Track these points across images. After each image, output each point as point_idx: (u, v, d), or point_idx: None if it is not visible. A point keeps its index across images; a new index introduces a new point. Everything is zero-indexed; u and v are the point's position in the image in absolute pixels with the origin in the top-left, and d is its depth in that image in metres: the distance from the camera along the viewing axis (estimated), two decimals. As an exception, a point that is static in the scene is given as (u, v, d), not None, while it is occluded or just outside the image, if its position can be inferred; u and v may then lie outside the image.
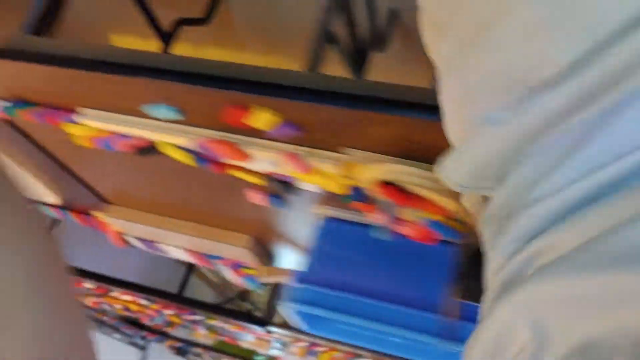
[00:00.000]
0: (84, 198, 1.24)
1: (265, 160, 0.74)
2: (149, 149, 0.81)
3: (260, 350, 2.34)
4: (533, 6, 0.29)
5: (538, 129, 0.30)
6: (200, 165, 0.80)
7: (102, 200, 1.22)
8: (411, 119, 0.60)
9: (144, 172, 1.02)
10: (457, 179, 0.36)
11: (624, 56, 0.26)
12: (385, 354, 1.10)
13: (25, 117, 0.85)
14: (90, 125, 0.81)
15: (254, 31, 1.65)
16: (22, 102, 0.86)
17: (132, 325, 2.87)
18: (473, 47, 0.32)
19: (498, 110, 0.31)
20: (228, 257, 1.19)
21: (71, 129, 0.83)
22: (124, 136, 0.80)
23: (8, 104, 0.87)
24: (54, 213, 1.35)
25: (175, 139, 0.77)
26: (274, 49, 1.70)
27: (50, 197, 1.28)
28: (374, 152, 0.68)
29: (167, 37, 1.35)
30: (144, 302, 2.27)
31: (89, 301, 2.34)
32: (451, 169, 0.36)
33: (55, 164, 1.09)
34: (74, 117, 0.81)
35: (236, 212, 1.05)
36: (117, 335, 3.23)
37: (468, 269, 0.63)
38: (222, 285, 3.95)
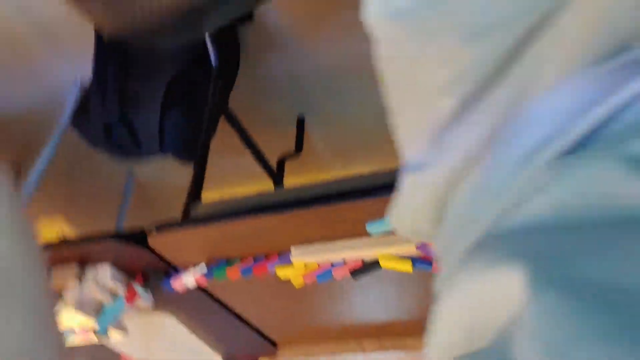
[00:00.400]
0: (249, 346, 1.25)
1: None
2: (363, 269, 0.85)
3: None
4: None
5: (456, 171, 0.31)
6: (419, 268, 0.83)
7: (271, 343, 1.23)
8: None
9: (317, 300, 1.04)
10: (401, 226, 0.37)
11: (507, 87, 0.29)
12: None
13: (232, 275, 0.89)
14: (303, 262, 0.85)
15: (333, 152, 1.74)
16: (223, 263, 0.91)
17: None
18: (395, 102, 0.35)
19: (417, 157, 0.33)
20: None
21: (282, 272, 0.87)
22: (337, 263, 0.84)
23: (207, 269, 0.91)
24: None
25: (394, 249, 0.80)
26: (356, 164, 1.79)
27: (212, 356, 1.29)
28: None
29: (277, 177, 1.43)
30: None
31: None
32: (395, 217, 0.37)
33: (229, 316, 1.11)
34: (286, 259, 0.85)
35: (424, 310, 1.06)
36: None
37: None
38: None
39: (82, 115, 1.21)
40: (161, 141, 1.15)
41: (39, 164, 1.35)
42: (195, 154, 1.20)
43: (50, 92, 1.59)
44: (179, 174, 1.78)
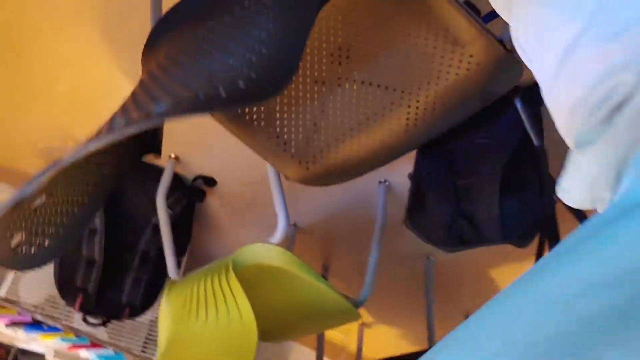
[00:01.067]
0: None
1: None
2: None
3: None
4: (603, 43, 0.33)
5: (630, 141, 0.31)
6: None
7: None
8: None
9: None
10: (575, 197, 0.37)
11: None
12: None
13: None
14: None
15: None
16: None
17: None
18: (557, 77, 0.36)
19: (588, 131, 0.33)
20: None
21: None
22: None
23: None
24: None
25: None
26: None
27: None
28: None
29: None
30: None
31: None
32: (568, 189, 0.37)
33: None
34: None
35: None
36: None
37: None
38: None
39: (418, 215, 1.29)
40: (503, 228, 1.16)
41: (371, 264, 1.45)
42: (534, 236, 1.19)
43: (357, 195, 1.73)
44: (473, 256, 1.78)
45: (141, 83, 0.76)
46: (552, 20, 0.36)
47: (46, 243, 0.80)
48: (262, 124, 1.04)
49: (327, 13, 0.90)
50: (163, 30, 0.90)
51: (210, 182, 1.74)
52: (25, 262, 0.77)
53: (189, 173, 1.76)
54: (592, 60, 0.33)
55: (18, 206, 0.68)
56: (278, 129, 1.04)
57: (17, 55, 1.41)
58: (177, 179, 1.73)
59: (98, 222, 1.63)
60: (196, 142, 1.65)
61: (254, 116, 1.02)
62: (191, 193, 1.74)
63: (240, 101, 0.54)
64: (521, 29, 0.42)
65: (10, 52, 1.40)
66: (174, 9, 0.86)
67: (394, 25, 0.88)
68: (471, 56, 0.84)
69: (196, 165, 1.74)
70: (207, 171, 1.75)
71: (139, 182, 1.73)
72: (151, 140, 0.96)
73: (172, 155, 1.65)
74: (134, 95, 0.71)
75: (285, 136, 1.05)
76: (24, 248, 0.77)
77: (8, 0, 1.26)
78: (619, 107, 0.32)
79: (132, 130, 0.51)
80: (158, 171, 1.69)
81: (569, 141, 0.38)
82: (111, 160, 0.91)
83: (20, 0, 1.26)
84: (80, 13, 1.27)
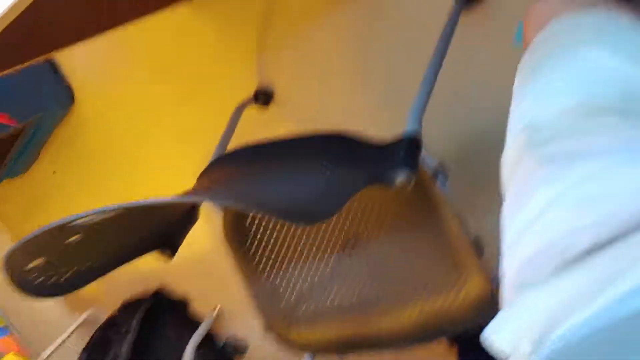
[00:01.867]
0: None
1: None
2: None
3: None
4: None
5: (568, 300, 0.32)
6: None
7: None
8: None
9: None
10: (503, 340, 0.37)
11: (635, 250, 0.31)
12: None
13: None
14: None
15: None
16: None
17: None
18: (522, 238, 0.38)
19: (537, 278, 0.35)
20: None
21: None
22: None
23: None
24: None
25: None
26: None
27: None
28: None
29: None
30: None
31: None
32: (497, 329, 0.37)
33: None
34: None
35: None
36: None
37: None
38: None
39: None
40: None
41: None
42: None
43: None
44: None
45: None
46: (523, 194, 0.42)
47: (54, 279, 0.80)
48: (267, 269, 1.09)
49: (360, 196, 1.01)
50: (222, 163, 1.04)
51: (241, 349, 1.74)
52: (28, 287, 0.78)
53: (223, 332, 1.77)
54: (558, 222, 0.36)
55: (56, 230, 0.70)
56: (278, 280, 1.09)
57: (130, 175, 1.62)
58: (209, 337, 1.75)
59: (125, 351, 1.63)
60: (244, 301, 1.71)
61: (263, 259, 1.09)
62: (219, 356, 1.74)
63: (297, 218, 0.78)
64: (508, 202, 0.46)
65: (125, 173, 1.62)
66: (236, 151, 1.01)
67: (411, 235, 0.98)
68: (465, 282, 0.91)
69: (234, 326, 1.76)
70: (242, 331, 1.76)
71: (174, 327, 1.75)
72: (173, 238, 1.00)
73: (217, 307, 1.70)
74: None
75: (281, 290, 1.08)
76: (35, 274, 0.77)
77: (129, 139, 1.52)
78: (566, 265, 0.34)
79: (226, 204, 0.64)
80: (195, 325, 1.72)
81: (508, 293, 0.40)
82: (145, 229, 0.95)
83: (139, 137, 1.52)
84: (185, 144, 1.52)
